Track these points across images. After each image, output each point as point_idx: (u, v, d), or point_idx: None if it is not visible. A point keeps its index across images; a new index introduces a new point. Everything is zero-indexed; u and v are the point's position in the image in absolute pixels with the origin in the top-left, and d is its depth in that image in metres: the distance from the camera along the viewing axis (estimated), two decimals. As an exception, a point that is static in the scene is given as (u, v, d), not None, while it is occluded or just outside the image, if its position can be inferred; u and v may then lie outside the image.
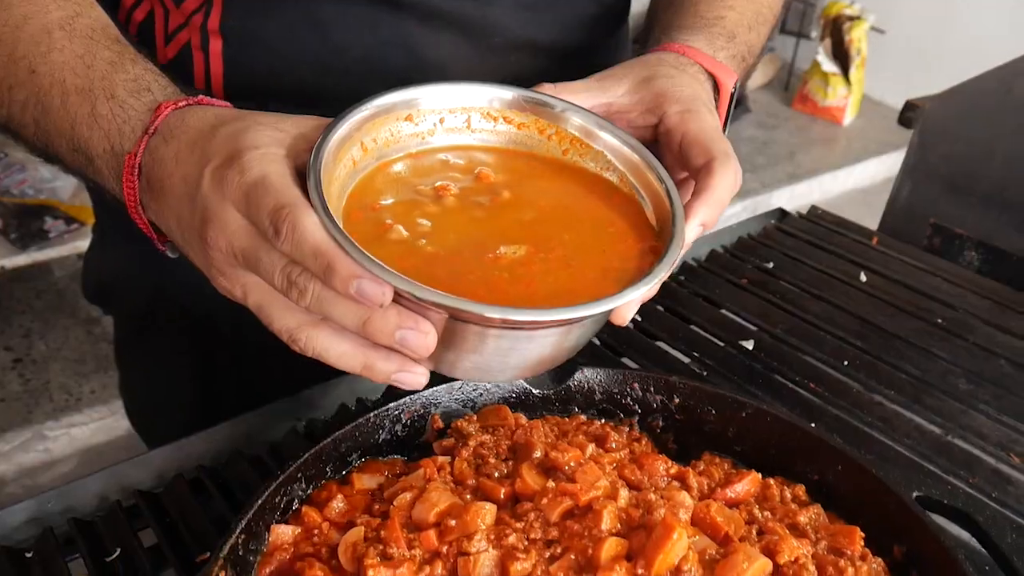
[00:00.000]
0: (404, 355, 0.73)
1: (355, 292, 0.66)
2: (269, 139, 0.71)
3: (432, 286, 0.70)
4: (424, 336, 0.69)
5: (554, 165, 0.93)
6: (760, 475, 0.95)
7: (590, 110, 0.92)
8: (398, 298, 0.68)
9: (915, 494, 0.89)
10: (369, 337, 0.70)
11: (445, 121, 0.91)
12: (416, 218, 0.83)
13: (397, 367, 0.74)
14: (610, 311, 0.79)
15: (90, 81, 0.87)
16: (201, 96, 0.81)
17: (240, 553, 0.84)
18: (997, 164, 1.60)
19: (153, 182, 0.80)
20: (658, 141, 0.93)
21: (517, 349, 0.81)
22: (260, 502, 0.88)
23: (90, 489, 1.08)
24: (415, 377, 0.74)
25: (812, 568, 0.83)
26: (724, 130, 0.99)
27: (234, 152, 0.70)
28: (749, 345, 1.33)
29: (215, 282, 0.78)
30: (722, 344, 1.33)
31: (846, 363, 1.30)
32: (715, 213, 0.81)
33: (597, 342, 1.30)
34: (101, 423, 3.37)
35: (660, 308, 1.41)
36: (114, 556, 0.98)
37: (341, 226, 0.70)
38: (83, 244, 3.25)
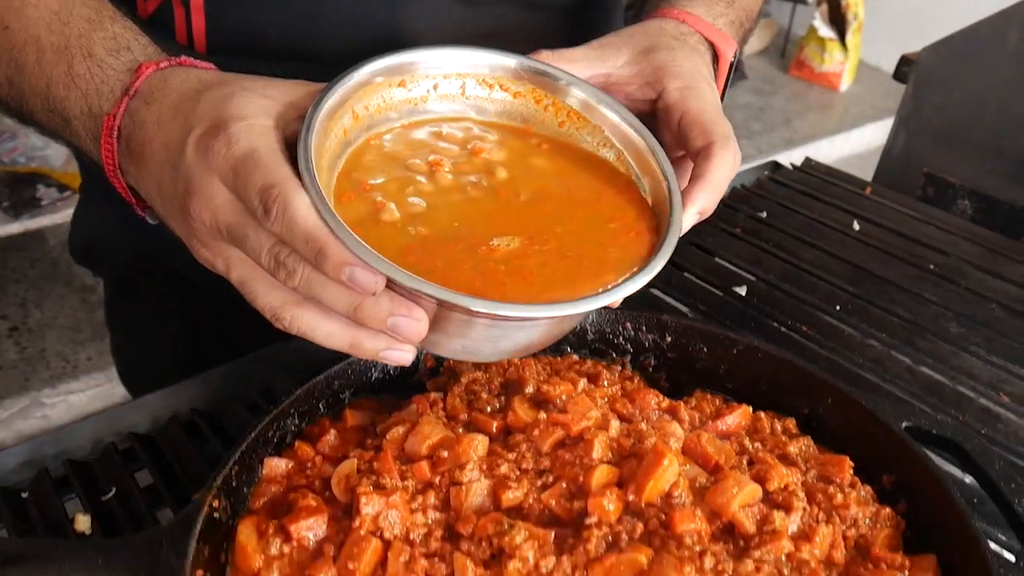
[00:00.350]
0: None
1: (347, 279, 0.64)
2: (257, 108, 0.69)
3: (426, 273, 0.68)
4: (416, 323, 0.69)
5: (551, 142, 0.90)
6: (751, 408, 0.96)
7: (589, 81, 0.89)
8: (391, 284, 0.66)
9: (904, 424, 0.90)
10: (360, 322, 0.69)
11: (439, 87, 0.87)
12: (408, 196, 0.80)
13: (385, 345, 0.72)
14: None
15: (66, 39, 0.82)
16: (183, 57, 0.78)
17: (234, 484, 0.85)
18: (991, 113, 1.60)
19: (133, 146, 0.76)
20: (656, 116, 0.91)
21: (508, 337, 0.81)
22: (253, 435, 0.88)
23: (85, 433, 1.09)
24: (402, 354, 0.73)
25: (801, 495, 0.84)
26: (722, 98, 0.97)
27: (220, 121, 0.67)
28: (742, 291, 1.34)
29: (196, 253, 0.76)
30: (715, 291, 1.34)
31: (838, 308, 1.31)
32: (714, 200, 0.81)
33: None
34: (98, 390, 3.38)
35: (653, 256, 1.41)
36: (109, 495, 0.99)
37: (332, 206, 0.67)
38: (77, 212, 3.24)
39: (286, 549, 0.80)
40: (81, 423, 1.09)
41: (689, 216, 0.83)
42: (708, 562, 0.75)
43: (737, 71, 5.60)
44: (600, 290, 0.75)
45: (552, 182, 0.87)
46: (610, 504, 0.78)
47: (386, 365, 1.01)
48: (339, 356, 1.05)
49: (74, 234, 1.57)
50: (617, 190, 0.87)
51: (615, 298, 0.75)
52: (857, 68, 5.99)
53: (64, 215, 3.61)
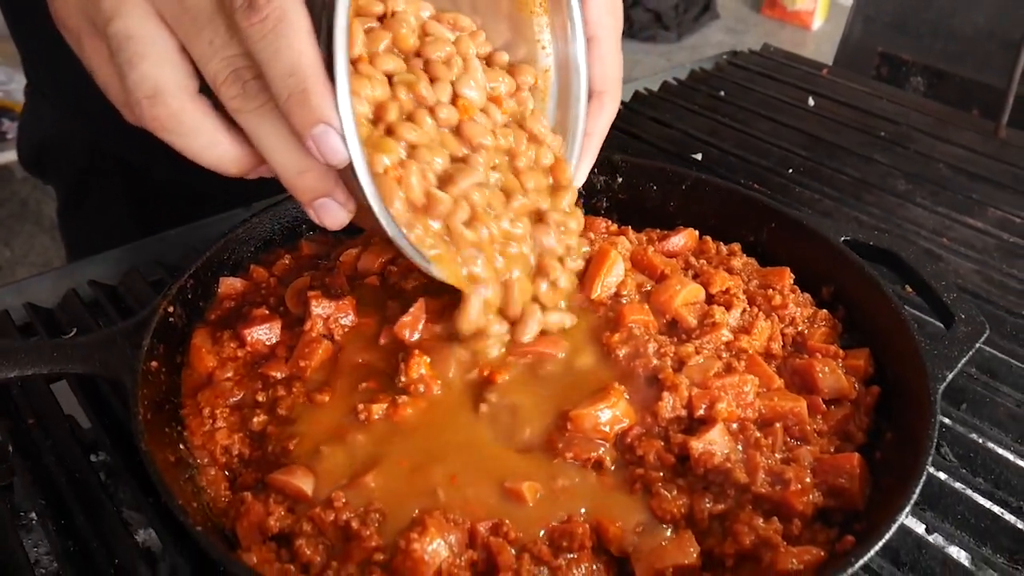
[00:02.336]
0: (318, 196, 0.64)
1: (313, 135, 0.56)
2: None
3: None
4: (344, 215, 0.65)
5: None
6: (697, 232, 0.98)
7: None
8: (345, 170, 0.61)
9: (843, 238, 0.93)
10: (292, 184, 0.62)
11: None
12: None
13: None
14: None
15: None
16: None
17: (189, 297, 0.87)
18: (945, -6, 1.62)
19: None
20: None
21: None
22: (209, 254, 0.90)
23: (46, 285, 1.10)
24: (336, 214, 0.65)
25: (742, 296, 0.87)
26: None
27: None
28: (698, 157, 1.36)
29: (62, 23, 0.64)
30: (671, 156, 1.36)
31: (790, 170, 1.34)
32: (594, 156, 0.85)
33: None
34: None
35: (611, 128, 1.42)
36: (71, 334, 1.00)
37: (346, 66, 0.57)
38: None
39: (240, 352, 0.82)
40: (43, 276, 1.11)
41: (581, 175, 0.86)
42: (651, 347, 0.78)
43: (709, 10, 5.52)
44: None
45: None
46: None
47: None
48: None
49: (22, 141, 1.53)
50: None
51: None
52: (829, 7, 5.99)
53: (31, 151, 3.56)
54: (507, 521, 0.66)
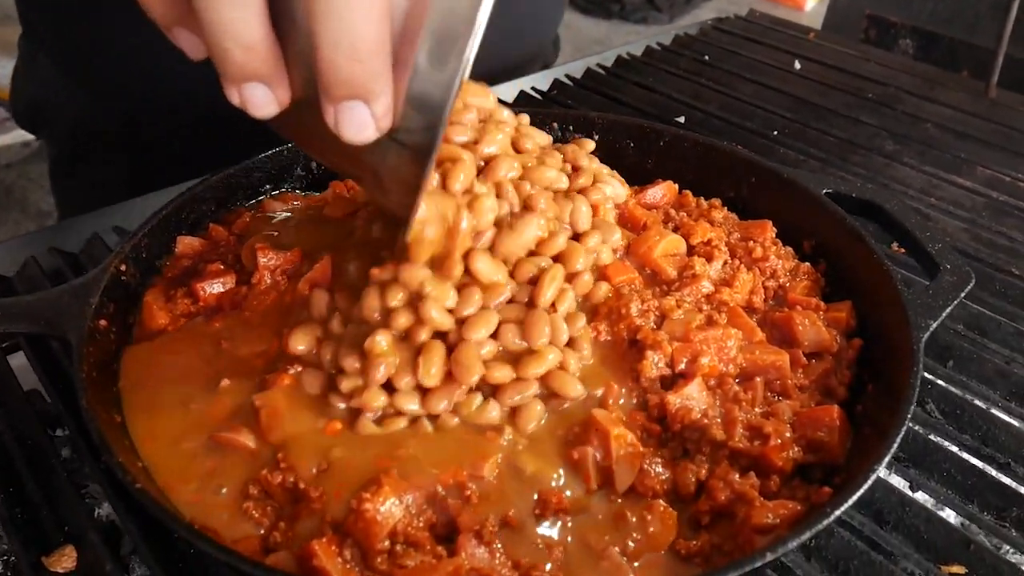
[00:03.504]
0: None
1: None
2: None
3: None
4: (273, 105, 0.56)
5: None
6: (676, 186, 0.95)
7: None
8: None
9: (825, 191, 0.89)
10: (227, 55, 0.53)
11: None
12: None
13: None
14: None
15: None
16: None
17: (144, 256, 0.83)
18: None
19: None
20: None
21: None
22: (165, 212, 0.86)
23: (6, 253, 1.06)
24: (266, 106, 0.56)
25: (724, 248, 0.83)
26: None
27: None
28: (680, 120, 1.33)
29: None
30: (654, 119, 1.32)
31: (775, 132, 1.30)
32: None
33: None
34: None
35: (594, 94, 1.39)
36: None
37: None
38: (28, 135, 3.15)
39: (193, 308, 0.79)
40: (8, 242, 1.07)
41: None
42: (634, 307, 0.75)
43: (702, -8, 5.41)
44: None
45: None
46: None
47: (309, 162, 0.99)
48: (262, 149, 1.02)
49: (16, 94, 1.49)
50: None
51: None
52: (821, -14, 5.95)
53: (14, 136, 3.52)
54: (471, 485, 0.62)
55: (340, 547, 0.58)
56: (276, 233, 0.83)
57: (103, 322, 0.74)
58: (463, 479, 0.61)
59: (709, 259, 0.81)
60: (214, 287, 0.78)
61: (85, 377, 0.67)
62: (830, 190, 0.90)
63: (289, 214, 0.91)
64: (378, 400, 0.64)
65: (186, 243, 0.86)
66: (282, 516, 0.62)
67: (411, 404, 0.65)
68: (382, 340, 0.65)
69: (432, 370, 0.64)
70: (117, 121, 1.34)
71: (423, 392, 0.65)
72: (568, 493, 0.63)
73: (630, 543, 0.61)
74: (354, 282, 0.73)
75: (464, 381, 0.65)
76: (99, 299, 0.74)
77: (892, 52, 1.60)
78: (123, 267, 0.79)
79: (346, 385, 0.65)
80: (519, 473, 0.63)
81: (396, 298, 0.67)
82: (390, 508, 0.58)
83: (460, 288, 0.68)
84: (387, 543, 0.58)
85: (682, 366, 0.71)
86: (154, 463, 0.66)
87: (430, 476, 0.61)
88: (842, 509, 0.57)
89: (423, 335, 0.66)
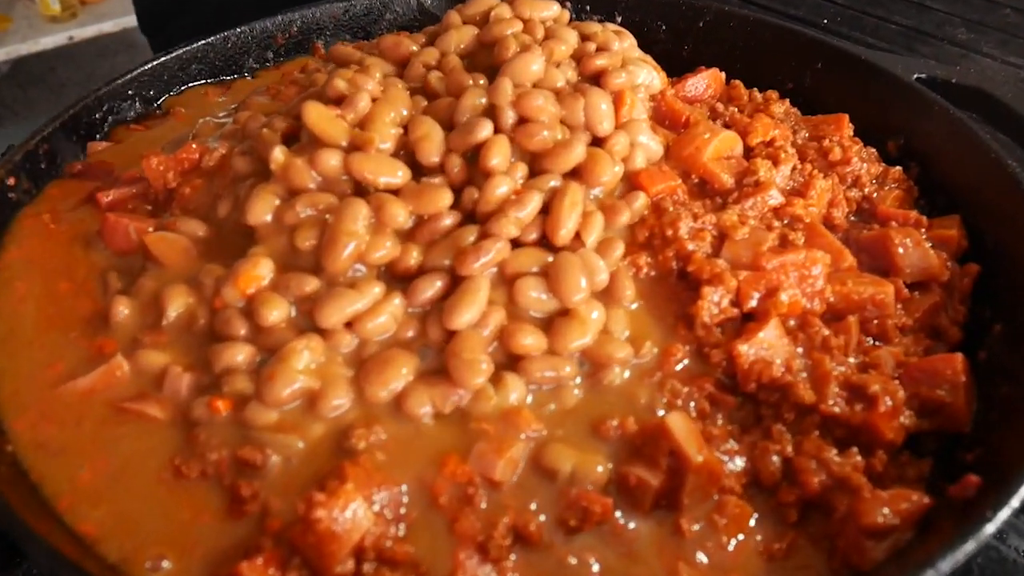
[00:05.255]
0: None
1: None
2: None
3: None
4: None
5: None
6: (723, 74, 0.75)
7: None
8: None
9: (916, 76, 0.70)
10: None
11: None
12: None
13: None
14: None
15: None
16: None
17: (42, 167, 0.64)
18: None
19: None
20: None
21: None
22: (60, 122, 0.67)
23: None
24: None
25: (791, 150, 0.64)
26: None
27: None
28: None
29: None
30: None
31: (825, 21, 1.10)
32: None
33: None
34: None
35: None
36: None
37: None
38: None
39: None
40: None
41: None
42: (684, 225, 0.56)
43: None
44: None
45: None
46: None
47: (263, 51, 0.80)
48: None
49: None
50: None
51: None
52: None
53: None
54: (479, 488, 0.44)
55: (282, 569, 0.41)
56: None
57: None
58: (466, 474, 0.44)
59: (775, 162, 0.62)
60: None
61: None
62: (922, 75, 0.71)
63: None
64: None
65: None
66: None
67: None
68: None
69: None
70: None
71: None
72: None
73: (699, 556, 0.43)
74: None
75: (465, 385, 0.47)
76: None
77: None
78: (11, 180, 0.61)
79: None
80: (550, 473, 0.45)
81: None
82: (354, 514, 0.41)
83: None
84: (350, 565, 0.41)
85: (752, 303, 0.53)
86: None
87: (414, 468, 0.43)
88: (1009, 510, 0.40)
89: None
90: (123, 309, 0.52)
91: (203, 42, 0.76)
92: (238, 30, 0.78)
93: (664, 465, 0.44)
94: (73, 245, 0.58)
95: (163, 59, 0.74)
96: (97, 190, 0.61)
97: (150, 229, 0.56)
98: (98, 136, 0.70)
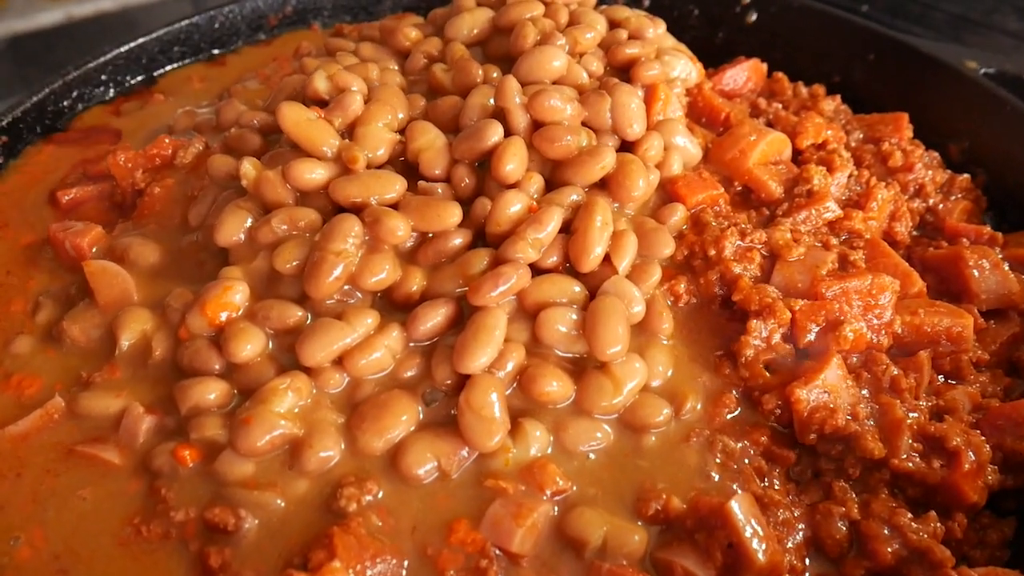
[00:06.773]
0: None
1: None
2: None
3: None
4: None
5: None
6: (764, 66, 0.68)
7: None
8: None
9: (984, 70, 0.63)
10: None
11: None
12: None
13: None
14: None
15: None
16: None
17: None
18: None
19: None
20: None
21: None
22: (36, 98, 0.60)
23: None
24: None
25: (846, 154, 0.57)
26: None
27: None
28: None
29: None
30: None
31: (865, 7, 1.02)
32: None
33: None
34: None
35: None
36: None
37: None
38: None
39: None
40: None
41: None
42: (730, 244, 0.48)
43: None
44: None
45: None
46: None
47: (254, 32, 0.72)
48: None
49: None
50: None
51: None
52: None
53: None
54: (493, 560, 0.37)
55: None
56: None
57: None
58: (478, 544, 0.37)
59: (830, 169, 0.55)
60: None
61: None
62: (991, 69, 0.63)
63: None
64: None
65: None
66: None
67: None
68: None
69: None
70: None
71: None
72: None
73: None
74: None
75: (479, 447, 0.39)
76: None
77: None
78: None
79: None
80: (578, 543, 0.38)
81: None
82: (341, 601, 0.34)
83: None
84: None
85: (809, 337, 0.45)
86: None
87: (416, 536, 0.36)
88: None
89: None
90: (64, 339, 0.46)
91: (187, 22, 0.69)
92: (226, 9, 0.71)
93: (720, 560, 0.37)
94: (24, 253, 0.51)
95: (142, 41, 0.67)
96: (57, 188, 0.54)
97: (94, 250, 0.49)
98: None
